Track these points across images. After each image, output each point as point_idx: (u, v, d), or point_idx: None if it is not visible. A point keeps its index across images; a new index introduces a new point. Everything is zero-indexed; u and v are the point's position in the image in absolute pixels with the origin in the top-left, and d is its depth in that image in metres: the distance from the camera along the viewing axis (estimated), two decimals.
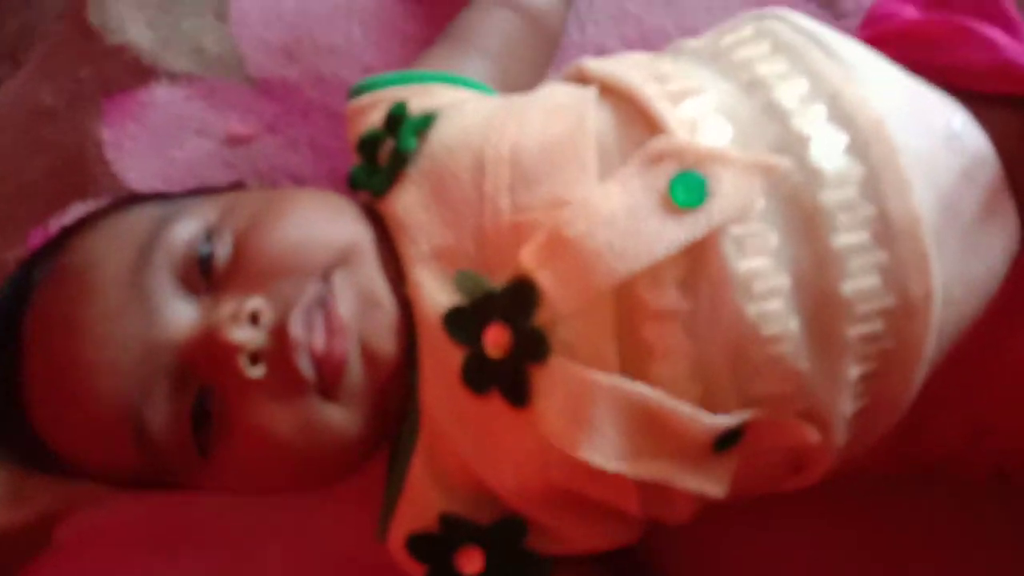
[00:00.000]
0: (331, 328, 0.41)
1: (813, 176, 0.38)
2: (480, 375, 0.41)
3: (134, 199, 0.48)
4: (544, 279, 0.40)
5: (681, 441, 0.38)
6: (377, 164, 0.45)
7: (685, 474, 0.39)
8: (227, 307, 0.41)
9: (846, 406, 0.39)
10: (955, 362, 0.42)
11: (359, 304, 0.42)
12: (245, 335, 0.41)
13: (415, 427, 0.43)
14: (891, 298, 0.38)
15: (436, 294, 0.41)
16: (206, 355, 0.41)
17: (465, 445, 0.42)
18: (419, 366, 0.42)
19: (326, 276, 0.42)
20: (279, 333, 0.41)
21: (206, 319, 0.42)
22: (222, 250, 0.43)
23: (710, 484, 0.39)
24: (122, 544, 0.55)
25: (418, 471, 0.44)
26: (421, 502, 0.44)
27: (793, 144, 0.39)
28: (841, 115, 0.39)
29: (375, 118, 0.46)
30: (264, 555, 0.53)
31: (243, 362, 0.41)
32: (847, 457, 0.41)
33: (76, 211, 0.57)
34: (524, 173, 0.40)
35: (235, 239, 0.43)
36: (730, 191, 0.38)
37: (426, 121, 0.44)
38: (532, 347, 0.40)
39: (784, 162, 0.39)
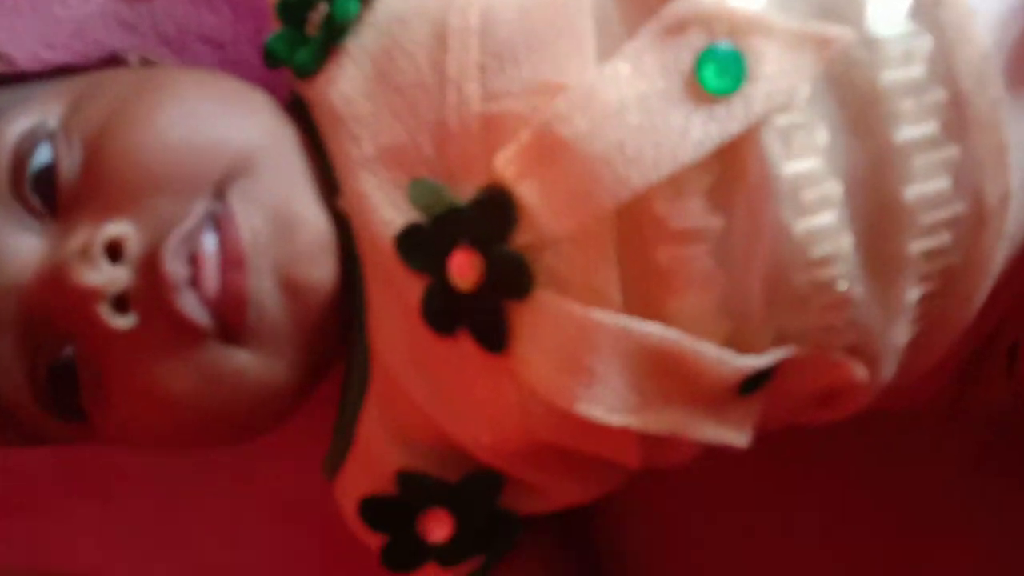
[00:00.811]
0: (226, 260, 0.32)
1: (872, 50, 0.31)
2: (444, 312, 0.33)
3: None
4: (527, 192, 0.31)
5: (700, 387, 0.32)
6: (304, 34, 0.36)
7: (702, 423, 0.33)
8: (77, 238, 0.33)
9: (900, 336, 0.33)
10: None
11: (268, 224, 0.33)
12: (101, 276, 0.32)
13: (364, 371, 0.36)
14: (961, 204, 0.32)
15: (385, 209, 0.33)
16: (57, 301, 0.33)
17: (426, 396, 0.35)
18: (365, 299, 0.34)
19: (219, 191, 0.33)
20: (148, 268, 0.32)
21: (51, 254, 0.33)
22: (67, 159, 0.33)
23: (731, 432, 0.33)
24: (34, 482, 0.48)
25: (369, 423, 0.37)
26: (374, 459, 0.37)
27: (844, 7, 0.31)
28: None
29: None
30: (201, 497, 0.48)
31: (103, 310, 0.32)
32: (887, 392, 0.35)
33: None
34: (499, 49, 0.32)
35: (85, 144, 0.33)
36: (774, 71, 0.30)
37: None
38: (510, 277, 0.32)
39: (842, 32, 0.31)
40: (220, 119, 0.34)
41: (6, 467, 0.49)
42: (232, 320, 0.33)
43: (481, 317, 0.32)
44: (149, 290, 0.32)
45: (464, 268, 0.32)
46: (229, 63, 0.48)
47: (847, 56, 0.31)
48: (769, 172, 0.30)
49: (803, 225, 0.31)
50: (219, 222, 0.33)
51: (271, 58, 0.37)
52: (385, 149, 0.33)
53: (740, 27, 0.30)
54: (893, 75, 0.31)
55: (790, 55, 0.30)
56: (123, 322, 0.32)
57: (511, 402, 0.33)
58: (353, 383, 0.36)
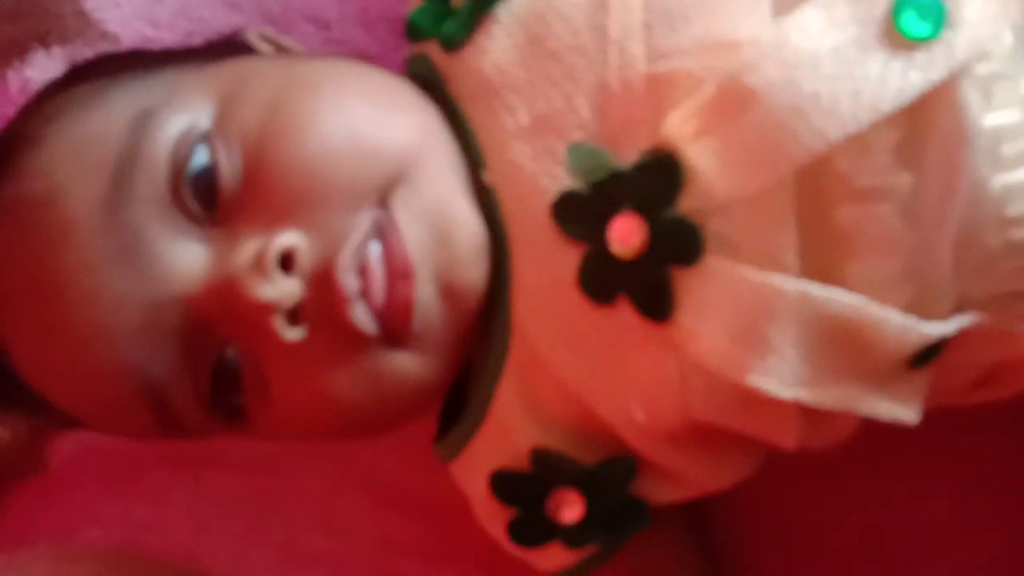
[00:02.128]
0: (393, 270, 0.32)
1: None
2: (603, 279, 0.32)
3: (96, 65, 0.40)
4: (700, 153, 0.30)
5: (874, 358, 0.31)
6: (448, 5, 0.35)
7: (873, 398, 0.31)
8: (247, 248, 0.32)
9: None
10: None
11: (430, 231, 0.33)
12: (277, 290, 0.31)
13: (503, 347, 0.35)
14: None
15: (540, 177, 0.32)
16: (226, 312, 0.32)
17: (575, 371, 0.33)
18: (510, 273, 0.33)
19: (382, 199, 0.33)
20: (323, 283, 0.32)
21: (219, 266, 0.32)
22: (227, 163, 0.32)
23: (902, 408, 0.32)
24: (135, 462, 0.47)
25: (506, 399, 0.35)
26: (508, 436, 0.36)
27: None
28: None
29: None
30: (297, 478, 0.47)
31: (277, 323, 0.32)
32: None
33: (40, 63, 0.48)
34: (665, 8, 0.31)
35: (244, 148, 0.32)
36: (976, 16, 0.29)
37: None
38: (678, 242, 0.31)
39: None
40: (377, 122, 0.33)
41: (101, 447, 0.48)
42: (398, 327, 0.33)
43: (644, 284, 0.31)
44: (321, 302, 0.32)
45: (626, 234, 0.31)
46: (334, 43, 0.48)
47: None
48: (967, 124, 0.29)
49: (1001, 181, 0.29)
50: (384, 232, 0.32)
51: (415, 31, 0.36)
52: (540, 117, 0.32)
53: None
54: None
55: (993, 0, 0.29)
56: (295, 334, 0.32)
57: (670, 376, 0.32)
58: (490, 360, 0.35)
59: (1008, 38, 0.29)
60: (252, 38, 0.40)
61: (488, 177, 0.34)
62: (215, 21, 0.47)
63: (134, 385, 0.33)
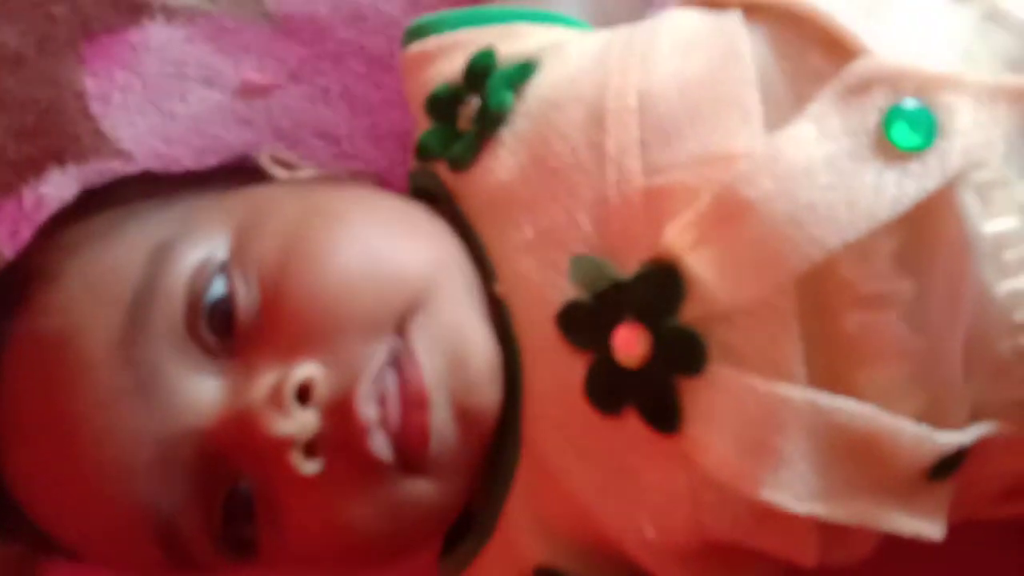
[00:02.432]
0: (408, 400, 0.32)
1: None
2: (610, 389, 0.32)
3: (111, 192, 0.40)
4: (698, 263, 0.30)
5: (891, 470, 0.30)
6: (455, 127, 0.36)
7: (894, 512, 0.31)
8: (264, 381, 0.32)
9: None
10: None
11: (446, 357, 0.33)
12: (294, 425, 0.31)
13: (514, 459, 0.34)
14: None
15: (545, 289, 0.32)
16: (242, 445, 0.32)
17: (584, 483, 0.33)
18: (521, 385, 0.33)
19: (400, 327, 0.33)
20: (341, 413, 0.32)
21: (236, 399, 0.32)
22: (244, 295, 0.33)
23: (924, 523, 0.31)
24: None
25: (514, 514, 0.35)
26: (515, 552, 0.35)
27: None
28: None
29: (447, 69, 0.37)
30: None
31: (295, 458, 0.31)
32: None
33: (54, 180, 0.48)
34: (660, 125, 0.32)
35: (262, 280, 0.33)
36: (968, 125, 0.29)
37: (524, 71, 0.35)
38: (682, 351, 0.31)
39: None
40: (394, 249, 0.34)
41: None
42: (414, 454, 0.32)
43: (650, 394, 0.31)
44: (338, 432, 0.31)
45: (630, 343, 0.31)
46: (344, 157, 0.49)
47: None
48: (968, 231, 0.29)
49: (1006, 287, 0.29)
50: (401, 360, 0.32)
51: (425, 152, 0.37)
52: (544, 231, 0.33)
53: (928, 84, 0.30)
54: None
55: (984, 109, 0.29)
56: (313, 467, 0.31)
57: (681, 489, 0.31)
58: (500, 474, 0.35)
59: (1001, 145, 0.29)
60: (263, 160, 0.41)
61: (499, 289, 0.34)
62: (227, 137, 0.48)
63: (144, 521, 0.33)
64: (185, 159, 0.48)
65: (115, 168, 0.47)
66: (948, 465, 0.30)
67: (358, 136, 0.48)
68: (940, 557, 0.37)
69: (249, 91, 0.49)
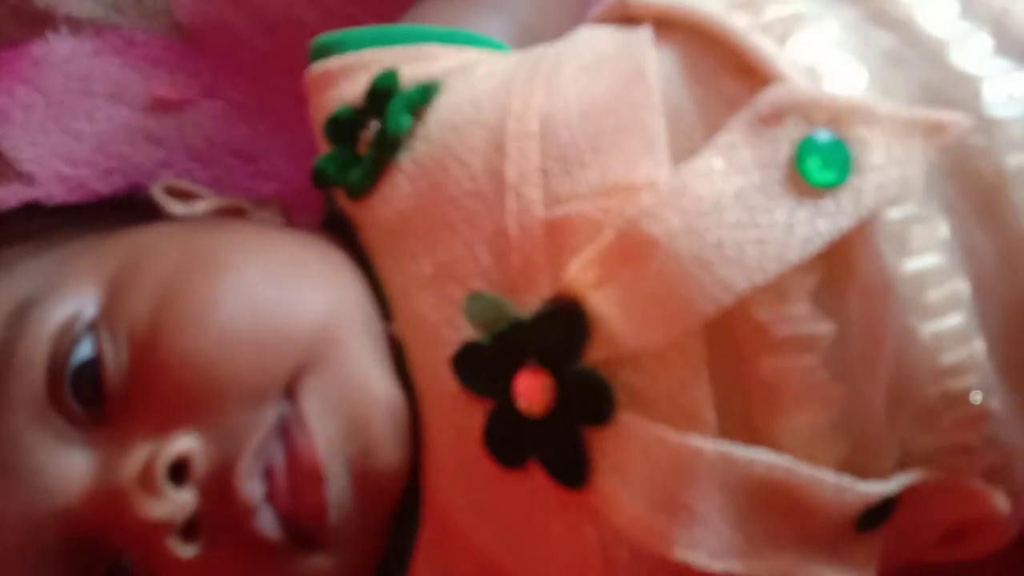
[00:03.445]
0: (299, 473, 0.30)
1: (991, 134, 0.29)
2: (511, 441, 0.29)
3: None
4: (602, 302, 0.28)
5: (814, 523, 0.29)
6: (355, 152, 0.34)
7: (821, 567, 0.29)
8: (135, 458, 0.29)
9: None
10: None
11: (342, 420, 0.31)
12: (168, 507, 0.29)
13: (415, 515, 0.32)
14: None
15: (442, 329, 0.30)
16: (114, 528, 0.30)
17: (490, 541, 0.31)
18: (421, 436, 0.31)
19: (289, 390, 0.30)
20: (222, 491, 0.29)
21: (105, 475, 0.30)
22: (112, 357, 0.30)
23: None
24: None
25: (420, 572, 0.32)
26: None
27: (955, 89, 0.29)
28: (1014, 45, 0.30)
29: (349, 91, 0.35)
30: None
31: (171, 542, 0.29)
32: None
33: None
34: (561, 152, 0.30)
35: (132, 340, 0.30)
36: (883, 161, 0.28)
37: (425, 94, 0.33)
38: (588, 399, 0.29)
39: (958, 117, 0.28)
40: (284, 302, 0.31)
41: None
42: (308, 528, 0.30)
43: (555, 446, 0.29)
44: (220, 511, 0.29)
45: (532, 390, 0.29)
46: (260, 176, 0.47)
47: (963, 142, 0.28)
48: (886, 271, 0.28)
49: (930, 328, 0.28)
50: (290, 429, 0.30)
51: (321, 179, 0.35)
52: (442, 264, 0.31)
53: (842, 115, 0.28)
54: (1020, 159, 0.28)
55: (899, 143, 0.28)
56: (190, 551, 0.29)
57: (591, 547, 0.29)
58: (403, 531, 0.32)
59: (918, 180, 0.28)
60: (156, 193, 0.38)
61: (396, 328, 0.32)
62: (135, 158, 0.46)
63: None
64: (90, 181, 0.46)
65: (14, 192, 0.45)
66: (877, 515, 0.29)
67: (276, 154, 0.46)
68: None
69: (159, 107, 0.47)
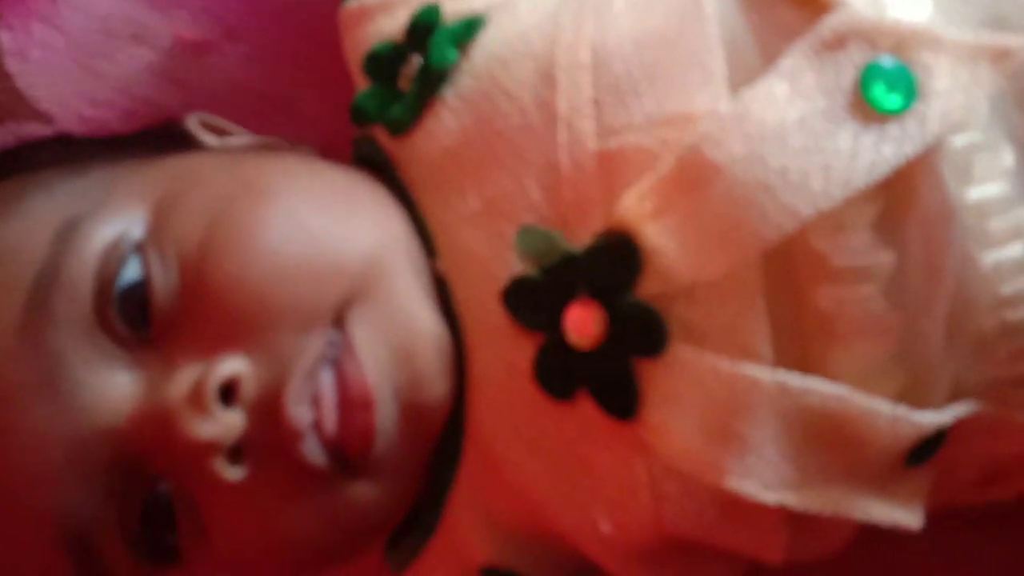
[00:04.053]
0: (349, 400, 0.30)
1: None
2: (561, 372, 0.29)
3: (17, 158, 0.38)
4: (658, 233, 0.28)
5: (866, 455, 0.29)
6: (396, 88, 0.33)
7: (869, 500, 0.29)
8: (183, 378, 0.29)
9: None
10: None
11: (390, 349, 0.31)
12: (217, 427, 0.29)
13: (456, 450, 0.32)
14: None
15: (492, 263, 0.30)
16: (159, 447, 0.29)
17: (534, 476, 0.31)
18: (465, 369, 0.31)
19: (338, 319, 0.30)
20: (270, 414, 0.29)
21: (152, 396, 0.29)
22: (161, 279, 0.30)
23: (902, 511, 0.29)
24: None
25: (459, 509, 0.33)
26: (461, 550, 0.33)
27: (1022, 16, 0.29)
28: None
29: (388, 26, 0.35)
30: None
31: (219, 464, 0.29)
32: None
33: None
34: (614, 82, 0.30)
35: (182, 262, 0.30)
36: (948, 87, 0.28)
37: (470, 27, 0.33)
38: (640, 330, 0.28)
39: (1022, 42, 0.28)
40: (332, 230, 0.31)
41: None
42: (355, 457, 0.30)
43: (605, 377, 0.29)
44: (267, 434, 0.29)
45: (583, 322, 0.28)
46: (286, 123, 0.46)
47: None
48: (949, 199, 0.28)
49: (991, 258, 0.28)
50: (340, 356, 0.30)
51: (360, 116, 0.34)
52: (490, 200, 0.30)
53: (906, 41, 0.28)
54: None
55: (964, 69, 0.28)
56: (238, 474, 0.29)
57: (640, 480, 0.29)
58: (443, 466, 0.32)
59: (983, 107, 0.28)
60: (192, 126, 0.38)
61: (441, 265, 0.32)
62: (159, 99, 0.45)
63: (52, 530, 0.30)
64: (112, 123, 0.46)
65: (32, 131, 0.44)
66: (927, 449, 0.29)
67: (301, 98, 0.45)
68: (914, 550, 0.35)
69: (183, 49, 0.46)
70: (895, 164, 0.27)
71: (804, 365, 0.28)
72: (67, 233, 0.30)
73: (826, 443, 0.28)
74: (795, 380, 0.27)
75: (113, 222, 0.30)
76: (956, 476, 0.31)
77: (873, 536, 0.32)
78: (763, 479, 0.28)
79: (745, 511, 0.28)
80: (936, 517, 0.32)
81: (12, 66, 0.45)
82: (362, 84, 0.35)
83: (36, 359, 0.29)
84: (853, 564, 0.34)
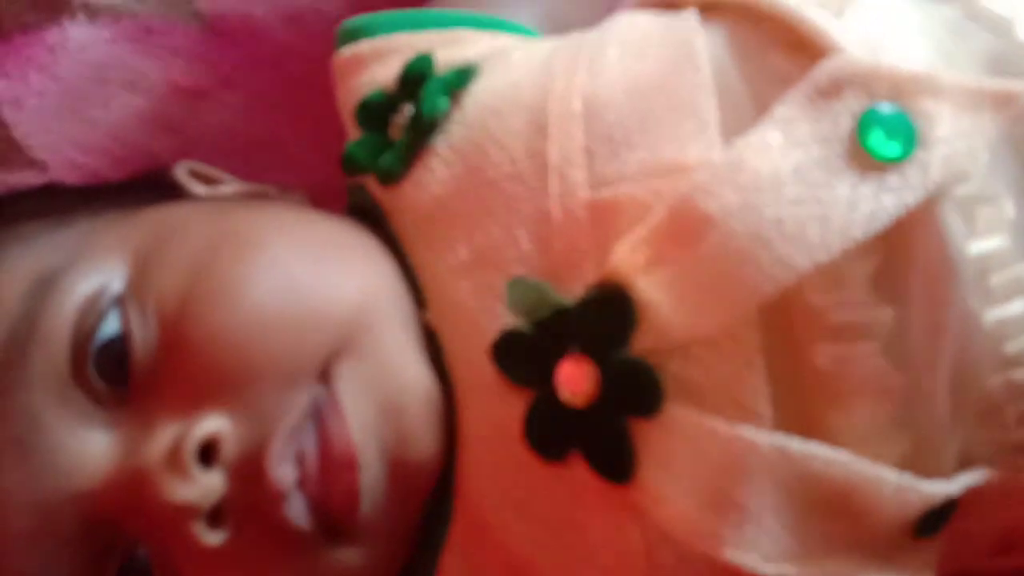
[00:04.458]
0: (332, 459, 0.29)
1: None
2: (552, 432, 0.28)
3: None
4: (651, 286, 0.27)
5: (872, 525, 0.27)
6: (387, 138, 0.33)
7: (873, 574, 0.27)
8: (162, 438, 0.28)
9: None
10: None
11: (377, 406, 0.30)
12: (196, 490, 0.28)
13: (446, 513, 0.31)
14: None
15: (480, 317, 0.29)
16: (135, 513, 0.28)
17: (524, 539, 0.30)
18: (456, 428, 0.30)
19: (323, 374, 0.29)
20: (251, 475, 0.28)
21: (128, 457, 0.28)
22: (141, 334, 0.29)
23: None
24: None
25: (450, 574, 0.31)
26: None
27: (1020, 56, 0.28)
28: None
29: (381, 75, 0.34)
30: None
31: (198, 528, 0.28)
32: None
33: None
34: (607, 132, 0.29)
35: (161, 317, 0.29)
36: (950, 134, 0.27)
37: (462, 76, 0.32)
38: (635, 388, 0.27)
39: None
40: (321, 283, 0.30)
41: None
42: (340, 520, 0.29)
43: (598, 437, 0.27)
44: (248, 496, 0.28)
45: (575, 379, 0.27)
46: (279, 169, 0.46)
47: None
48: (950, 253, 0.27)
49: (994, 315, 0.27)
50: (323, 413, 0.29)
51: (351, 165, 0.34)
52: (480, 251, 0.30)
53: (904, 87, 0.27)
54: None
55: (966, 115, 0.27)
56: (217, 538, 0.28)
57: (635, 547, 0.28)
58: (432, 529, 0.31)
59: (984, 156, 0.27)
60: (180, 174, 0.38)
61: (430, 318, 0.31)
62: (153, 147, 0.45)
63: None
64: (105, 169, 0.45)
65: (22, 179, 0.44)
66: (936, 519, 0.27)
67: (296, 146, 0.46)
68: None
69: (177, 97, 0.46)
70: (895, 214, 0.26)
71: (804, 428, 0.27)
72: (44, 287, 0.29)
73: (828, 512, 0.27)
74: (795, 445, 0.26)
75: (92, 275, 0.30)
76: (970, 545, 0.29)
77: None
78: (762, 550, 0.26)
79: None
80: None
81: (7, 115, 0.45)
82: (354, 134, 0.35)
83: (8, 419, 0.28)
84: None
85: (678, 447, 0.27)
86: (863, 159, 0.26)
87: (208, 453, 0.28)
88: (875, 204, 0.26)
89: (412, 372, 0.30)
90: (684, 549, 0.27)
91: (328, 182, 0.42)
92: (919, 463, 0.27)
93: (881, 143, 0.26)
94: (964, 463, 0.27)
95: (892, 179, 0.26)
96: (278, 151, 0.46)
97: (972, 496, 0.27)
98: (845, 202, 0.26)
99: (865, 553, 0.27)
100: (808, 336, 0.27)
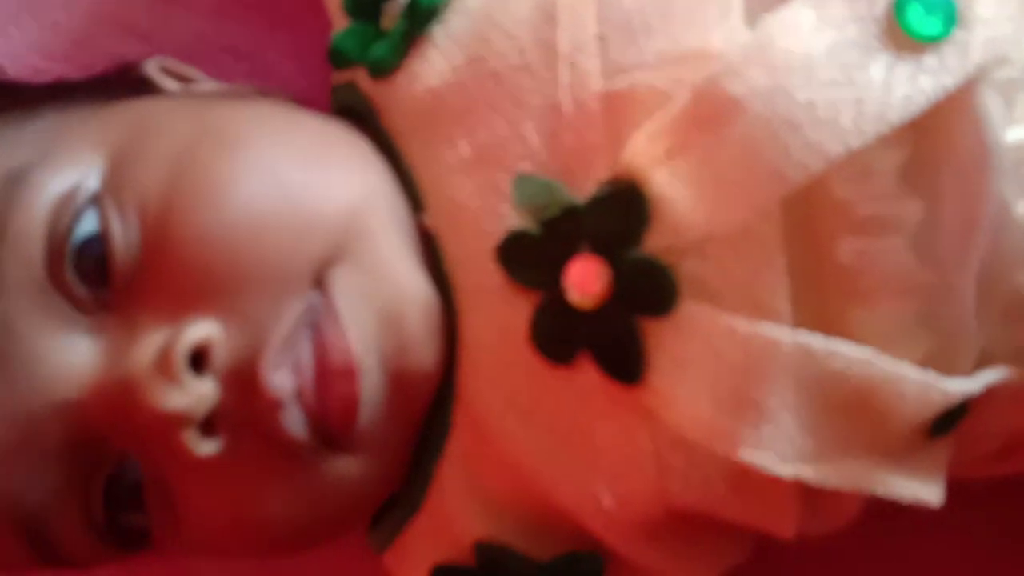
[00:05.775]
0: (330, 369, 0.27)
1: None
2: (560, 334, 0.27)
3: None
4: (669, 181, 0.26)
5: (888, 426, 0.27)
6: (379, 28, 0.31)
7: (889, 475, 0.27)
8: (149, 343, 0.27)
9: None
10: None
11: (376, 313, 0.29)
12: (187, 398, 0.27)
13: (445, 419, 0.30)
14: None
15: (484, 218, 0.28)
16: (122, 421, 0.27)
17: (529, 445, 0.29)
18: (456, 333, 0.29)
19: (318, 280, 0.28)
20: (245, 383, 0.27)
21: (113, 364, 0.27)
22: (121, 234, 0.28)
23: (923, 486, 0.28)
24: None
25: (448, 481, 0.31)
26: (449, 525, 0.31)
27: None
28: None
29: None
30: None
31: (189, 437, 0.27)
32: None
33: None
34: (622, 19, 0.28)
35: (143, 216, 0.28)
36: (991, 14, 0.26)
37: None
38: (648, 287, 0.27)
39: None
40: (313, 182, 0.29)
41: None
42: (338, 430, 0.28)
43: (608, 338, 0.27)
44: (242, 406, 0.27)
45: (586, 279, 0.27)
46: (256, 76, 0.43)
47: None
48: (987, 140, 0.26)
49: None
50: (321, 320, 0.28)
51: (339, 57, 0.32)
52: (483, 147, 0.28)
53: None
54: None
55: None
56: (210, 448, 0.27)
57: (644, 450, 0.27)
58: (430, 437, 0.31)
59: None
60: (151, 70, 0.36)
61: (429, 220, 0.30)
62: (119, 52, 0.42)
63: (6, 516, 0.28)
64: (69, 75, 0.43)
65: None
66: (951, 419, 0.27)
67: (273, 52, 0.43)
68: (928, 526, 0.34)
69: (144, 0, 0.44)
70: (933, 98, 0.25)
71: (825, 325, 0.26)
72: (13, 184, 0.27)
73: (848, 412, 0.26)
74: (818, 342, 0.26)
75: (65, 172, 0.28)
76: (975, 448, 0.29)
77: (875, 509, 0.31)
78: (778, 451, 0.26)
79: (756, 484, 0.27)
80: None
81: None
82: (341, 23, 0.33)
83: None
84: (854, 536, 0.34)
85: (692, 347, 0.26)
86: (899, 38, 0.25)
87: (198, 360, 0.27)
88: (911, 87, 0.25)
89: (410, 278, 0.29)
90: (695, 452, 0.27)
91: (307, 93, 0.40)
92: (941, 362, 0.26)
93: (919, 19, 0.25)
94: (982, 362, 0.27)
95: (930, 60, 0.25)
96: (253, 58, 0.43)
97: (986, 397, 0.27)
98: (880, 84, 0.25)
99: (880, 454, 0.27)
100: (831, 230, 0.26)
